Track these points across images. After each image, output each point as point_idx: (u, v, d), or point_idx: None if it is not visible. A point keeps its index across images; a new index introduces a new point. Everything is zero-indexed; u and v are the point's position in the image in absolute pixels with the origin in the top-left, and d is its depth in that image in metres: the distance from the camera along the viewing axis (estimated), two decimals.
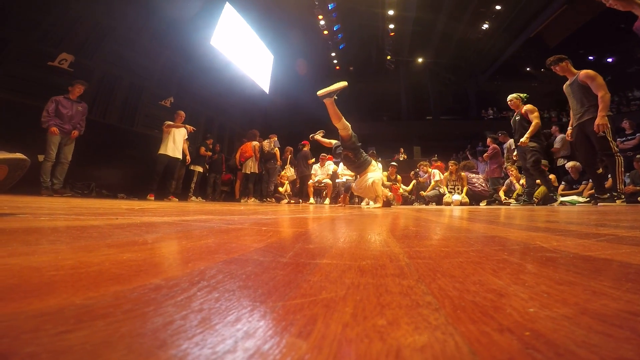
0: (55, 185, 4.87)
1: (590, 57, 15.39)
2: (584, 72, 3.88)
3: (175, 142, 6.23)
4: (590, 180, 5.80)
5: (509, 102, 5.20)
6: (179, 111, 6.53)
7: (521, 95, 5.10)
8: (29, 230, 0.76)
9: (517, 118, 5.07)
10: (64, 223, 0.96)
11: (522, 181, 6.22)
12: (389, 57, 17.80)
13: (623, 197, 3.82)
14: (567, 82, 4.13)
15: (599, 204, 3.91)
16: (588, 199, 4.45)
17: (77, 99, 5.15)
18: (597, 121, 3.65)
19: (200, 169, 7.46)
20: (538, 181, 5.58)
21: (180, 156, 6.35)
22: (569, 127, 4.35)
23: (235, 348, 0.20)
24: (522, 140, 4.74)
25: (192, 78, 8.86)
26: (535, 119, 4.79)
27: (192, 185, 7.31)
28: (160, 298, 0.29)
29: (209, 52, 8.83)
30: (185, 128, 6.35)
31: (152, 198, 5.79)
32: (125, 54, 6.94)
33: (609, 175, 4.10)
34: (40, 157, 4.80)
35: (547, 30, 13.26)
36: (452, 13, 14.34)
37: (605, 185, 4.11)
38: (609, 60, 15.10)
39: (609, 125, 3.67)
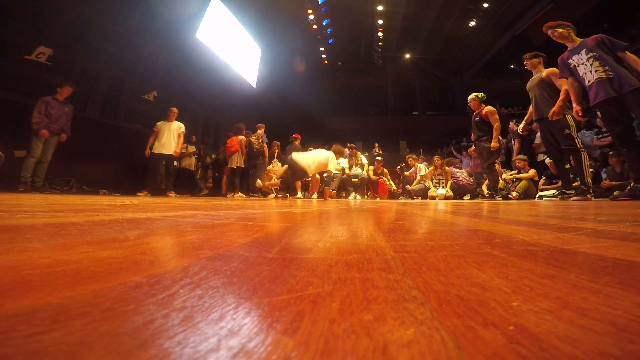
0: (36, 183, 4.81)
1: None
2: (549, 69, 4.03)
3: (162, 139, 6.13)
4: (571, 175, 6.01)
5: (468, 103, 5.44)
6: (172, 108, 6.41)
7: (479, 95, 5.33)
8: (4, 228, 0.73)
9: (476, 119, 5.29)
10: (42, 220, 0.93)
11: (505, 175, 6.39)
12: (378, 51, 17.84)
13: (591, 191, 3.97)
14: (531, 78, 4.28)
15: (570, 198, 4.05)
16: (555, 192, 4.61)
17: (64, 100, 5.08)
18: (553, 108, 3.78)
19: (175, 164, 7.28)
20: (506, 177, 5.88)
21: (168, 152, 6.22)
22: (523, 122, 4.62)
23: (219, 347, 0.19)
24: (492, 144, 4.95)
25: (177, 72, 8.68)
26: (495, 121, 5.03)
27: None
28: (141, 296, 0.28)
29: (194, 45, 8.65)
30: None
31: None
32: (107, 47, 6.74)
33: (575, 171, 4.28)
34: (17, 153, 4.66)
35: (533, 28, 13.52)
36: (440, 10, 14.46)
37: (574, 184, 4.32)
38: None
39: (560, 115, 3.81)
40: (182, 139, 6.38)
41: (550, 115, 3.80)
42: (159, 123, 6.20)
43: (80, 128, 5.98)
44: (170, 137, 6.16)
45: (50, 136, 4.87)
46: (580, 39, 3.53)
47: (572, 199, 4.01)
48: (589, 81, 3.40)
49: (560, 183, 5.86)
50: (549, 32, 3.70)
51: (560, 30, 3.60)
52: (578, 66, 3.48)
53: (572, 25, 3.66)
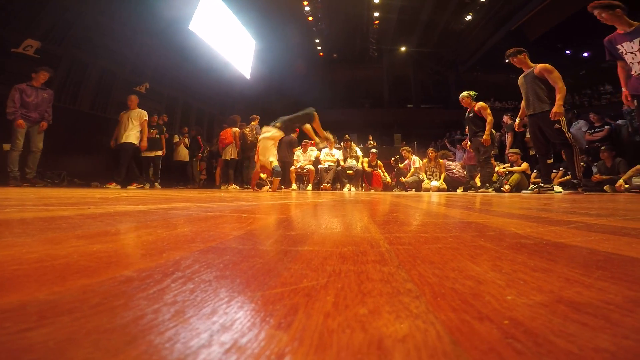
0: (28, 174, 4.72)
1: (567, 51, 15.80)
2: (542, 65, 4.01)
3: (122, 129, 5.84)
4: (562, 169, 6.11)
5: (460, 101, 5.56)
6: (130, 96, 6.09)
7: (470, 93, 5.47)
8: None
9: (469, 115, 5.40)
10: (32, 214, 0.91)
11: (498, 168, 6.46)
12: (373, 43, 17.70)
13: (582, 184, 4.03)
14: (522, 74, 4.28)
15: (562, 192, 4.11)
16: (534, 186, 4.66)
17: (41, 86, 4.86)
18: (554, 109, 3.79)
19: (159, 153, 6.80)
20: (499, 170, 5.97)
21: (126, 140, 5.85)
22: (518, 118, 4.65)
23: (211, 342, 0.19)
24: (484, 138, 5.05)
25: (169, 63, 8.58)
26: (488, 115, 5.12)
27: (150, 171, 6.93)
28: (131, 291, 0.28)
29: (187, 37, 8.52)
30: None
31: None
32: (96, 39, 6.61)
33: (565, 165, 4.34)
34: (6, 147, 4.58)
35: (529, 23, 13.52)
36: (437, 3, 14.34)
37: (565, 178, 4.39)
38: (585, 54, 15.56)
39: (563, 115, 3.83)
40: (145, 127, 6.01)
41: (553, 116, 3.79)
42: (122, 113, 5.95)
43: (72, 120, 5.88)
44: (129, 126, 5.85)
45: (31, 125, 4.71)
46: (637, 23, 3.31)
47: (563, 192, 4.07)
48: (635, 71, 3.33)
49: (551, 176, 5.96)
50: (595, 12, 3.46)
51: (610, 12, 3.35)
52: (625, 54, 3.38)
53: (623, 5, 3.37)
